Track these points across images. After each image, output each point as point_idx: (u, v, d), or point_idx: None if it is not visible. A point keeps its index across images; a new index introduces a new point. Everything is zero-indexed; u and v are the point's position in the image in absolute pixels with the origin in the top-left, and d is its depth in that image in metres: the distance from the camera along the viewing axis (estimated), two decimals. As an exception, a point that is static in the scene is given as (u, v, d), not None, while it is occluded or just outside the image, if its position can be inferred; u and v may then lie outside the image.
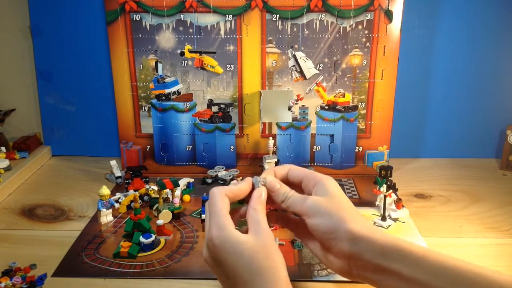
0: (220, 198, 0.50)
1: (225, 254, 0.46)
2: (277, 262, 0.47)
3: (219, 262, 0.47)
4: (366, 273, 0.49)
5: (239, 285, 0.46)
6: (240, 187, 0.52)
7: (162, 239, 0.74)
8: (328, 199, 0.50)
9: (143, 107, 0.97)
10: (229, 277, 0.46)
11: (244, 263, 0.45)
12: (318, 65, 0.94)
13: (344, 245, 0.48)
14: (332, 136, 0.98)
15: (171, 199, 0.83)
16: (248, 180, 0.53)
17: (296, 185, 0.55)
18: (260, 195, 0.52)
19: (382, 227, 0.77)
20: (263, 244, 0.47)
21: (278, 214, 0.58)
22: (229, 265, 0.46)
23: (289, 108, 0.94)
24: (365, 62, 0.94)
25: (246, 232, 0.48)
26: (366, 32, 0.92)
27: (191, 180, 0.92)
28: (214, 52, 0.94)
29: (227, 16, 0.92)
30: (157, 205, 0.82)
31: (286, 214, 0.57)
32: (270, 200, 0.54)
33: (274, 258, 0.47)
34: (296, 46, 0.93)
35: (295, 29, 0.92)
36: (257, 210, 0.50)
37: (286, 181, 0.56)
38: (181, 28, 0.93)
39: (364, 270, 0.49)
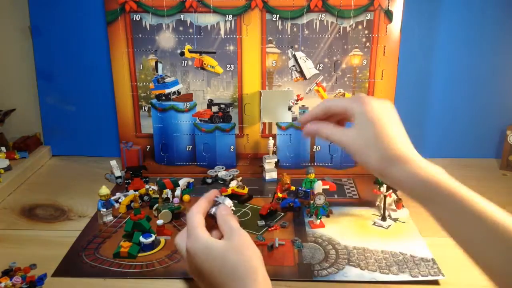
0: (194, 214, 0.53)
1: (201, 262, 0.49)
2: (248, 255, 0.49)
3: (198, 270, 0.49)
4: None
5: None
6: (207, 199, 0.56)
7: (162, 239, 0.74)
8: (364, 130, 0.51)
9: (143, 107, 0.97)
10: (211, 283, 0.49)
11: (218, 267, 0.48)
12: (318, 65, 0.94)
13: (381, 165, 0.50)
14: (332, 136, 0.97)
15: (171, 199, 0.84)
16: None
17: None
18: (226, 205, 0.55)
19: (382, 227, 0.78)
20: (233, 245, 0.49)
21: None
22: (206, 271, 0.48)
23: (289, 108, 0.94)
24: (365, 62, 0.94)
25: (221, 237, 0.51)
26: (366, 32, 0.92)
27: (191, 180, 0.92)
28: (214, 52, 0.94)
29: (227, 16, 0.92)
30: (157, 205, 0.82)
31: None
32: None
33: (245, 252, 0.49)
34: (296, 46, 0.93)
35: (295, 29, 0.92)
36: (227, 215, 0.53)
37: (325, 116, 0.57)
38: (181, 28, 0.93)
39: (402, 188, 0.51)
